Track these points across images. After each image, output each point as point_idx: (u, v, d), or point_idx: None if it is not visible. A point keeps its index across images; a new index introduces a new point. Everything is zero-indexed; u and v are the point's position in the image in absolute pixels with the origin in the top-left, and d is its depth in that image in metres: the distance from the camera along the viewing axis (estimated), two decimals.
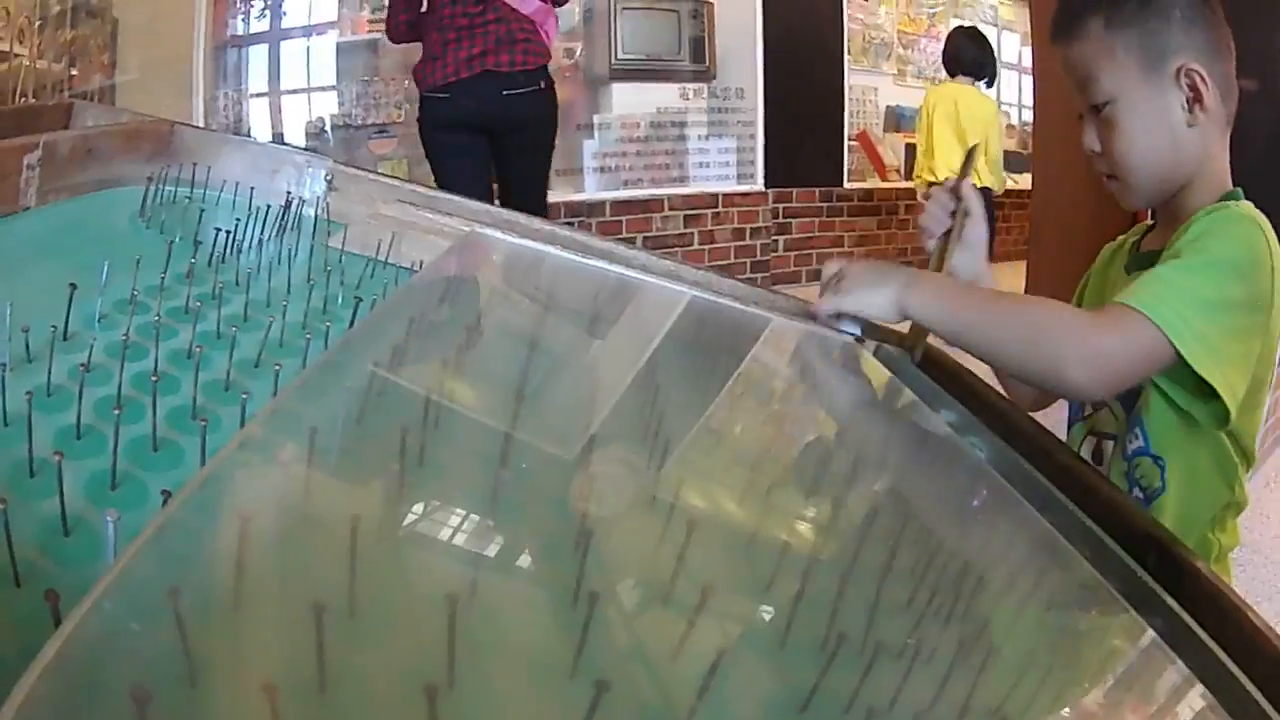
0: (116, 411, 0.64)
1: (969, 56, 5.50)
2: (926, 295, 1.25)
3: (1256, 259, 1.23)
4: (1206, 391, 1.18)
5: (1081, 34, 1.34)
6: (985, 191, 5.46)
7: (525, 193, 4.21)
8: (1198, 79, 1.29)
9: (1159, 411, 1.30)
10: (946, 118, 5.47)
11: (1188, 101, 1.30)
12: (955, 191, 1.41)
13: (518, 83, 3.98)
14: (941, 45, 8.54)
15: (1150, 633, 0.75)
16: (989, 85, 5.62)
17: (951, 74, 5.63)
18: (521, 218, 1.46)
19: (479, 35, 3.94)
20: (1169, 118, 1.32)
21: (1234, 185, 1.34)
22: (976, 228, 1.42)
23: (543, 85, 4.03)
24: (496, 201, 4.19)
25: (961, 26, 5.82)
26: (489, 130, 4.07)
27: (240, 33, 5.25)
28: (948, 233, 1.38)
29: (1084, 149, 1.38)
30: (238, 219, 1.20)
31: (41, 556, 0.52)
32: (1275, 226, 1.28)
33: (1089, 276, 1.55)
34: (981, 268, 1.43)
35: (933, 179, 5.46)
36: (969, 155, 1.43)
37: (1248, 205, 1.32)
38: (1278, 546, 3.40)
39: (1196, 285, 1.19)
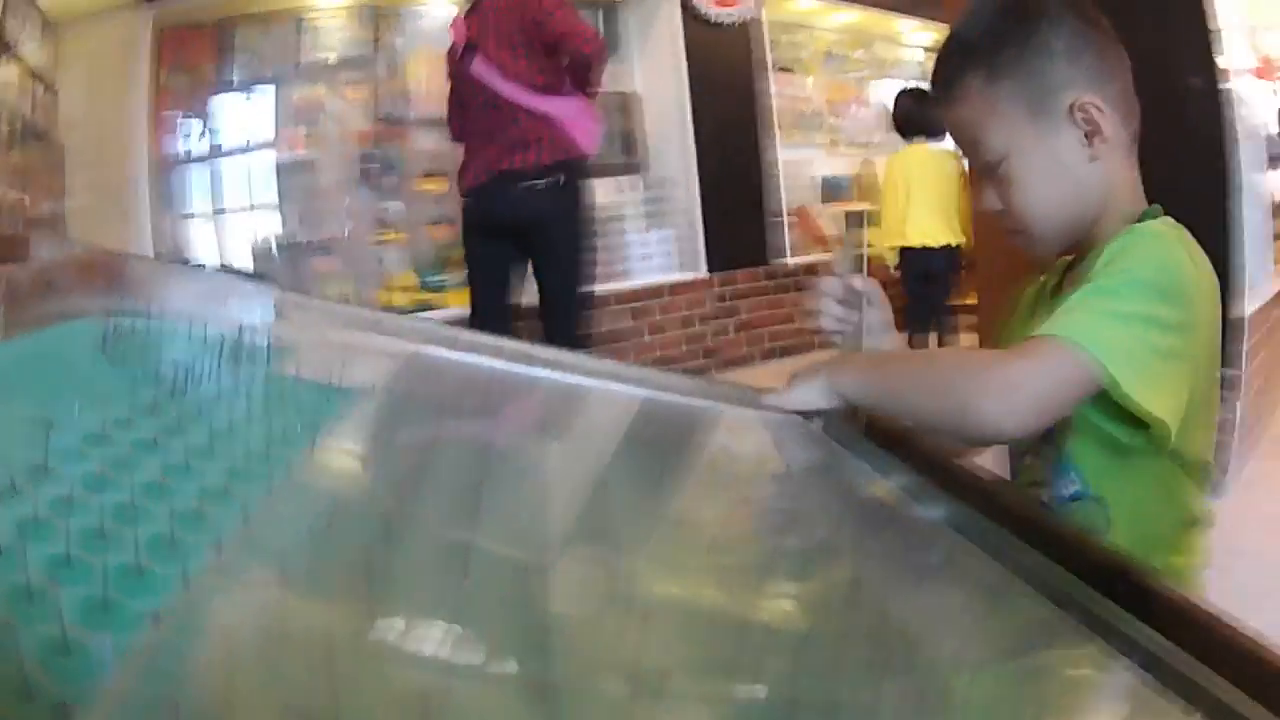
0: (102, 543, 0.70)
1: (919, 117, 5.53)
2: (851, 374, 1.27)
3: (1176, 276, 1.19)
4: (1142, 416, 1.13)
5: (962, 94, 1.31)
6: (956, 250, 5.55)
7: (554, 308, 4.23)
8: (1092, 110, 1.26)
9: (1089, 451, 1.27)
10: (922, 183, 5.53)
11: (1085, 136, 1.27)
12: (847, 284, 1.40)
13: (529, 179, 4.01)
14: (871, 110, 8.68)
15: (1125, 661, 0.75)
16: (939, 140, 5.66)
17: (906, 137, 5.67)
18: (464, 334, 1.49)
19: (498, 138, 4.05)
20: (1068, 159, 1.28)
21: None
22: (880, 313, 1.42)
23: (561, 180, 4.04)
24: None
25: (905, 90, 5.89)
26: (513, 235, 4.11)
27: (180, 154, 5.30)
28: (856, 326, 1.39)
29: (983, 209, 1.34)
30: (192, 351, 1.24)
31: (46, 674, 0.58)
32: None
33: (1013, 321, 1.51)
34: (893, 348, 1.44)
35: (905, 244, 5.52)
36: (857, 242, 1.44)
37: (1160, 221, 1.29)
38: (1267, 548, 3.46)
39: (1114, 304, 1.13)
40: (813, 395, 1.27)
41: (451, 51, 4.24)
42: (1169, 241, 1.23)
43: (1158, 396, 1.12)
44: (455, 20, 4.28)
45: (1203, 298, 1.21)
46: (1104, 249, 1.22)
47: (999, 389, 1.11)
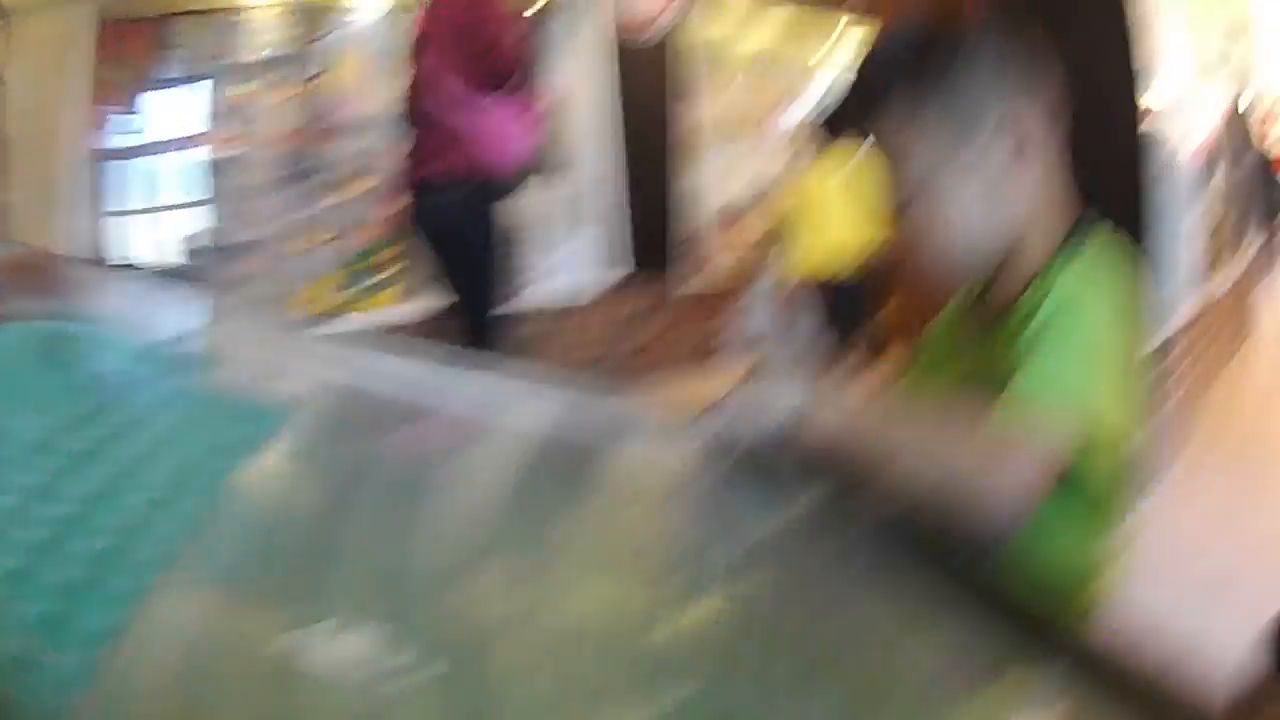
0: (46, 556, 0.74)
1: (842, 126, 5.51)
2: (839, 409, 1.21)
3: (1124, 321, 1.16)
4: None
5: (885, 115, 1.27)
6: (872, 261, 5.57)
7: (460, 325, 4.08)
8: (1021, 124, 1.21)
9: None
10: (839, 190, 5.51)
11: (1014, 150, 1.22)
12: (772, 292, 1.38)
13: (432, 190, 3.92)
14: (795, 119, 8.66)
15: (1032, 690, 0.76)
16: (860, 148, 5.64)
17: (828, 145, 5.67)
18: (388, 338, 1.52)
19: (421, 140, 3.98)
20: (995, 175, 1.23)
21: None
22: (805, 319, 1.40)
23: (456, 196, 3.92)
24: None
25: (829, 97, 5.90)
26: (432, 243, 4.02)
27: (118, 150, 5.23)
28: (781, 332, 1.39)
29: (908, 228, 1.30)
30: (125, 356, 1.26)
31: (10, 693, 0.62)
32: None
33: (933, 336, 1.50)
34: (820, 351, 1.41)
35: (819, 253, 5.54)
36: (780, 250, 1.41)
37: (1098, 251, 1.23)
38: (1190, 555, 3.56)
39: (1083, 367, 1.11)
40: (786, 403, 1.22)
41: (412, 42, 4.18)
42: (1114, 286, 1.19)
43: (1123, 439, 1.12)
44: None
45: (1140, 325, 1.20)
46: (1048, 286, 1.19)
47: (1010, 490, 1.08)
